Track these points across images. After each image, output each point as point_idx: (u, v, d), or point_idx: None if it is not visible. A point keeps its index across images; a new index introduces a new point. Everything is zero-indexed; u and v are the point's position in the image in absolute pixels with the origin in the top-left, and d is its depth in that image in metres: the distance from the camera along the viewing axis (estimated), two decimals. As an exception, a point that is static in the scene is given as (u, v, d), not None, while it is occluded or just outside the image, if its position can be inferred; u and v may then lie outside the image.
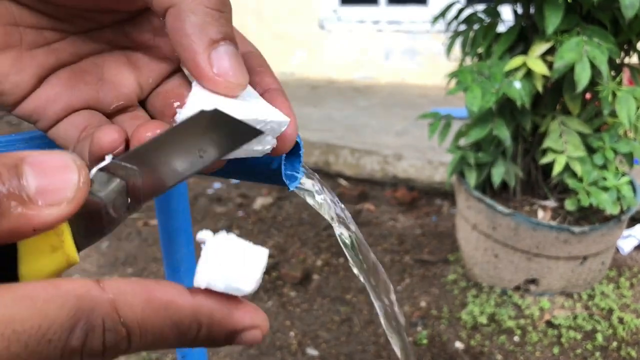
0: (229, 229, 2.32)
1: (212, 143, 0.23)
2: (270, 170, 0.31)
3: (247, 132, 0.24)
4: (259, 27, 4.64)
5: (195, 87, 0.25)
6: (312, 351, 1.63)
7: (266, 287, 1.93)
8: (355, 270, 0.34)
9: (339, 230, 0.34)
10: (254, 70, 0.29)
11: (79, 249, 0.23)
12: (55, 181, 0.19)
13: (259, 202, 2.55)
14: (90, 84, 0.29)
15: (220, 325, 0.22)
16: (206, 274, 0.21)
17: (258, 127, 0.24)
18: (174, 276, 0.78)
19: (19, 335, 0.17)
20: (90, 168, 0.22)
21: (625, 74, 1.64)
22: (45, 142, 0.31)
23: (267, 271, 2.01)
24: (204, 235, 0.22)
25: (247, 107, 0.25)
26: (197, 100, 0.25)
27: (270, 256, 2.12)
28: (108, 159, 0.23)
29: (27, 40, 0.28)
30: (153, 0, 0.24)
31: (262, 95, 0.28)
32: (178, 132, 0.23)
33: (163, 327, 0.20)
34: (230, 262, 0.21)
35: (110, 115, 0.30)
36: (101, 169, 0.22)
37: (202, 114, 0.22)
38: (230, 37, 0.25)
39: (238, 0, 4.62)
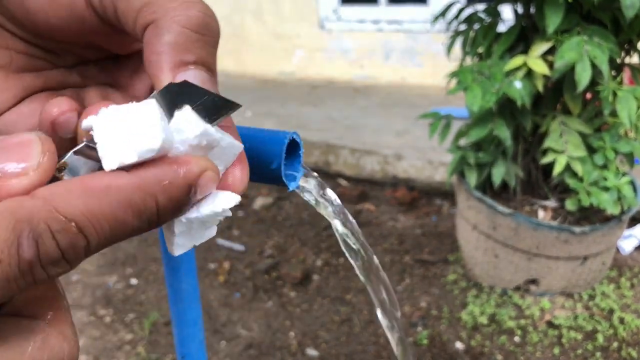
0: (229, 229, 2.31)
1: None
2: (270, 170, 0.30)
3: (223, 104, 0.23)
4: (259, 27, 4.64)
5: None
6: (312, 351, 1.63)
7: (266, 287, 1.93)
8: (357, 271, 0.34)
9: (337, 227, 0.34)
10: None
11: None
12: (18, 154, 0.19)
13: (259, 202, 2.54)
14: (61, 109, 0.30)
15: (174, 186, 0.20)
16: (111, 153, 0.20)
17: (210, 146, 0.23)
18: (173, 276, 0.78)
19: None
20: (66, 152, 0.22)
21: (626, 74, 1.63)
22: None
23: (267, 271, 2.01)
24: (88, 120, 0.21)
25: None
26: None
27: (270, 256, 2.11)
28: (84, 142, 0.22)
29: (17, 64, 0.28)
30: (137, 23, 0.24)
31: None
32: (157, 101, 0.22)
33: (115, 212, 0.19)
34: (126, 128, 0.20)
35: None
36: (76, 152, 0.22)
37: (170, 86, 0.22)
38: (205, 62, 0.24)
39: (238, 0, 4.62)
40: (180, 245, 0.24)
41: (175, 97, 0.22)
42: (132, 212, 0.20)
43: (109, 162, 0.20)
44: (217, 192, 0.23)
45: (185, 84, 0.22)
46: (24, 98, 0.29)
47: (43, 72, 0.29)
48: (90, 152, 0.22)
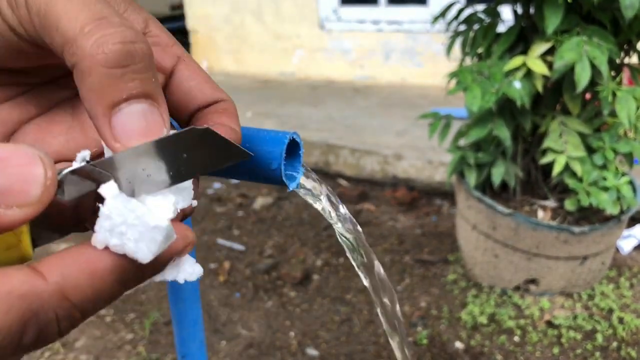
0: (229, 229, 2.32)
1: (196, 159, 0.23)
2: (270, 170, 0.31)
3: (236, 153, 0.23)
4: (259, 27, 4.64)
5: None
6: (312, 351, 1.63)
7: (266, 287, 1.93)
8: (357, 270, 0.34)
9: (338, 229, 0.34)
10: (213, 114, 0.27)
11: (37, 244, 0.23)
12: (19, 181, 0.18)
13: (259, 202, 2.55)
14: (59, 135, 0.27)
15: (160, 259, 0.21)
16: (103, 236, 0.20)
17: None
18: (174, 276, 0.78)
19: None
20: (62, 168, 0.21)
21: (625, 74, 1.64)
22: None
23: (267, 271, 2.01)
24: (105, 190, 0.20)
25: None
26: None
27: (270, 256, 2.12)
28: (80, 161, 0.22)
29: None
30: (65, 61, 0.22)
31: (205, 116, 0.27)
32: (161, 144, 0.22)
33: (113, 291, 0.20)
34: (129, 229, 0.20)
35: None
36: (72, 172, 0.21)
37: (191, 130, 0.22)
38: (141, 92, 0.21)
39: (238, 0, 4.62)
40: None
41: (193, 141, 0.22)
42: (125, 288, 0.21)
43: (98, 240, 0.20)
44: (184, 260, 0.24)
45: (207, 130, 0.22)
46: (8, 135, 0.26)
47: (18, 99, 0.27)
48: (87, 173, 0.21)
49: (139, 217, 0.20)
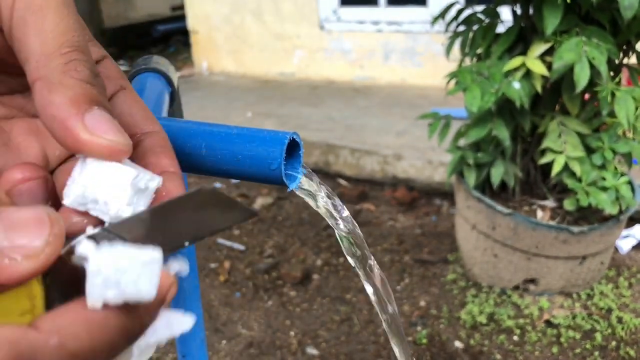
0: (229, 229, 2.32)
1: (207, 222, 0.23)
2: (270, 170, 0.31)
3: (243, 214, 0.23)
4: (259, 27, 4.65)
5: (80, 159, 0.23)
6: (312, 351, 1.64)
7: (266, 287, 1.93)
8: (357, 270, 0.35)
9: (337, 229, 0.34)
10: (152, 150, 0.27)
11: (51, 307, 0.22)
12: (24, 235, 0.18)
13: (259, 202, 2.55)
14: None
15: (154, 304, 0.21)
16: (98, 293, 0.19)
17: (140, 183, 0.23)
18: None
19: None
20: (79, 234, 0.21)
21: (624, 75, 1.64)
22: None
23: (268, 271, 2.02)
24: (84, 249, 0.19)
25: (131, 170, 0.23)
26: (81, 171, 0.23)
27: (270, 256, 2.12)
28: (94, 228, 0.22)
29: None
30: (28, 76, 0.22)
31: (143, 155, 0.26)
32: (177, 205, 0.22)
33: (113, 340, 0.19)
34: (124, 275, 0.19)
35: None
36: (90, 237, 0.21)
37: (200, 190, 0.22)
38: (104, 106, 0.23)
39: (238, 0, 4.63)
40: None
41: (203, 202, 0.22)
42: (127, 338, 0.20)
43: (93, 299, 0.19)
44: (170, 314, 0.23)
45: (214, 191, 0.22)
46: None
47: None
48: (103, 237, 0.21)
49: (131, 258, 0.19)
